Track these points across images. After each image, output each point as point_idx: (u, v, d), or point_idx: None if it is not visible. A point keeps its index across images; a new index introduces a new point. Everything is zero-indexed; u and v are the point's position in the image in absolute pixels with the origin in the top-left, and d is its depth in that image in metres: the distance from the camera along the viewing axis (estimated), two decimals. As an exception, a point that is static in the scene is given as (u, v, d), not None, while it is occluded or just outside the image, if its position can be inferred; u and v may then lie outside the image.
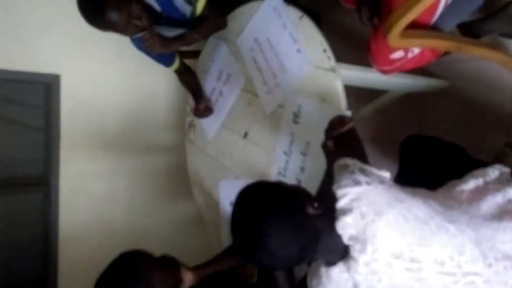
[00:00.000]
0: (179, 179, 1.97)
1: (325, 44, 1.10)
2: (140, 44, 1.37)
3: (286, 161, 1.21)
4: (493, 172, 0.87)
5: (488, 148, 1.29)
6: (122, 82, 1.94)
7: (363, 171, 0.75)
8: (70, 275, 1.80)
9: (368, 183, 0.73)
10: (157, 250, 1.14)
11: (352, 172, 0.74)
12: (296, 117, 1.19)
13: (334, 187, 0.74)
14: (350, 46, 1.43)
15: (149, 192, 2.09)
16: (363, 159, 0.84)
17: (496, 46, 1.15)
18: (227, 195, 1.51)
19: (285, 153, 1.22)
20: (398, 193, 0.75)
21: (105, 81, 1.89)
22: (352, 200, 0.71)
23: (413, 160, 1.21)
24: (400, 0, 0.91)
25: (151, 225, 2.09)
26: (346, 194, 0.72)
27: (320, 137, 1.06)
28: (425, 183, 1.13)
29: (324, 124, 1.03)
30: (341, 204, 0.72)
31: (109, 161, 1.95)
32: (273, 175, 1.27)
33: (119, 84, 1.93)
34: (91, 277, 1.04)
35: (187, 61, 1.65)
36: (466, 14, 0.99)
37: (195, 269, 1.16)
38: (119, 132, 1.97)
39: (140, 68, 1.92)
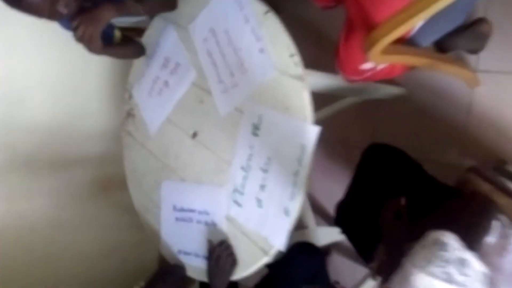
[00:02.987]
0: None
1: (292, 48, 0.98)
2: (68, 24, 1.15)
3: (244, 177, 1.09)
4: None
5: (441, 162, 1.29)
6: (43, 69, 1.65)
7: (462, 265, 0.61)
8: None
9: (462, 286, 0.59)
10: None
11: (447, 262, 0.61)
12: (256, 129, 1.06)
13: (413, 266, 0.61)
14: (310, 45, 1.33)
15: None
16: None
17: (461, 62, 1.12)
18: (169, 198, 1.36)
19: (242, 168, 1.10)
20: None
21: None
22: None
23: (373, 169, 1.16)
24: (381, 13, 0.81)
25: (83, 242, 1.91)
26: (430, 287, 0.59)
27: (283, 152, 0.96)
28: (377, 193, 1.10)
29: (287, 138, 0.93)
30: None
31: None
32: (227, 188, 1.15)
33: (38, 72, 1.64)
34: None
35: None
36: (445, 31, 0.92)
37: None
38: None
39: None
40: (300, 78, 0.96)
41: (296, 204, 0.99)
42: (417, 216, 0.99)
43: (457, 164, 1.30)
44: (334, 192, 1.31)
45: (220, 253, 1.13)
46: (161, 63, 1.37)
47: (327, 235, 1.57)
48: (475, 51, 1.26)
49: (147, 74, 1.43)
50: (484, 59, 1.25)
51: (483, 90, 1.26)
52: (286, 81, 0.99)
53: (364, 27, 0.86)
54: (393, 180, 1.11)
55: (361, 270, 1.62)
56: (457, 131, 1.32)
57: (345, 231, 1.25)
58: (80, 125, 1.84)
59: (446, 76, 1.31)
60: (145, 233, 2.03)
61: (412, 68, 1.05)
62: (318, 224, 1.60)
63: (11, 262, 1.67)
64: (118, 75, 1.84)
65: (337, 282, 1.57)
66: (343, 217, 1.25)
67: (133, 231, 2.27)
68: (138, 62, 1.49)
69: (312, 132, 0.95)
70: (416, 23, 0.73)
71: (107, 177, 2.01)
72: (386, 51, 0.79)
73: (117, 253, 2.20)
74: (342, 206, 1.25)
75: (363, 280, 1.33)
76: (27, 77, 1.55)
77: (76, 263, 1.94)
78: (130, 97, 1.53)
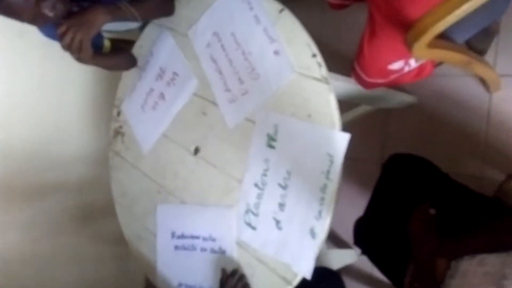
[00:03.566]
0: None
1: (314, 48, 0.88)
2: (51, 32, 1.02)
3: (259, 195, 0.96)
4: None
5: (463, 174, 1.20)
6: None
7: None
8: None
9: None
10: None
11: None
12: (271, 140, 0.94)
13: None
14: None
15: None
16: None
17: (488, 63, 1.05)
18: (167, 224, 1.20)
19: (256, 185, 0.97)
20: None
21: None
22: None
23: (397, 181, 1.06)
24: (417, 7, 0.73)
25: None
26: None
27: (306, 165, 0.84)
28: (403, 207, 0.99)
29: (311, 149, 0.81)
30: None
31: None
32: (238, 209, 1.01)
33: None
34: None
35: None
36: (481, 27, 0.85)
37: None
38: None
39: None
40: (325, 80, 0.85)
41: (324, 224, 0.86)
42: (450, 230, 0.88)
43: (480, 175, 1.22)
44: (341, 210, 1.19)
45: (233, 285, 0.98)
46: (155, 74, 1.25)
47: (339, 258, 1.44)
48: (482, 51, 1.19)
49: (139, 87, 1.30)
50: (502, 63, 1.19)
51: (502, 95, 1.20)
52: (307, 84, 0.88)
53: (397, 23, 0.77)
54: (421, 192, 1.01)
55: (375, 295, 1.50)
56: (477, 139, 1.24)
57: (366, 251, 1.13)
58: (59, 148, 1.67)
59: (461, 82, 1.24)
60: (129, 264, 1.86)
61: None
62: (327, 247, 1.47)
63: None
64: (102, 90, 1.70)
65: None
66: (364, 235, 1.13)
67: (116, 263, 2.09)
68: (128, 75, 1.36)
69: (342, 139, 0.84)
70: (468, 10, 0.65)
71: (87, 205, 1.83)
72: (431, 45, 0.70)
73: (98, 287, 1.99)
74: (362, 224, 1.13)
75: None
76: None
77: (53, 301, 1.73)
78: (119, 113, 1.39)
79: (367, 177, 1.33)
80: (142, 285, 2.28)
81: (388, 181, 1.07)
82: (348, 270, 1.54)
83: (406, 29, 0.73)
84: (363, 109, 1.32)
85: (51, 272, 1.71)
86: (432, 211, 0.89)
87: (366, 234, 1.11)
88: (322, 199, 0.86)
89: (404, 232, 0.93)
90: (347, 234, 1.39)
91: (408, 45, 0.71)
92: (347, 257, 1.47)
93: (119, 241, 1.43)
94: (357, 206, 1.17)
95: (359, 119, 1.38)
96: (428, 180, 1.01)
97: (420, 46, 0.69)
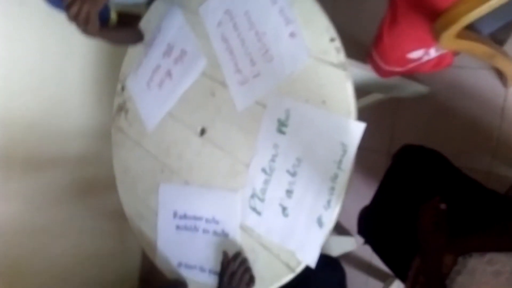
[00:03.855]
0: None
1: (332, 31, 0.85)
2: (56, 0, 0.97)
3: (266, 180, 0.94)
4: None
5: (472, 168, 1.18)
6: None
7: None
8: None
9: None
10: None
11: None
12: (282, 125, 0.92)
13: None
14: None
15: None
16: None
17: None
18: (169, 203, 1.19)
19: (263, 170, 0.95)
20: None
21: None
22: None
23: (407, 173, 1.04)
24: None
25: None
26: None
27: (317, 153, 0.82)
28: (412, 200, 0.98)
29: (324, 136, 0.79)
30: None
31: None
32: (243, 193, 0.99)
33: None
34: None
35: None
36: (509, 19, 0.81)
37: None
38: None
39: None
40: (342, 66, 0.82)
41: (332, 214, 0.85)
42: (460, 226, 0.87)
43: (489, 171, 1.20)
44: (345, 197, 1.18)
45: (235, 269, 0.98)
46: (163, 50, 1.21)
47: (339, 245, 1.44)
48: (502, 42, 1.16)
49: (146, 63, 1.26)
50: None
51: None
52: (324, 70, 0.85)
53: (422, 10, 0.73)
54: (431, 186, 0.99)
55: (373, 283, 1.50)
56: (489, 134, 1.22)
57: (370, 241, 1.12)
58: (60, 120, 1.64)
59: (475, 75, 1.21)
60: (127, 239, 1.86)
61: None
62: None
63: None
64: (107, 64, 1.65)
65: None
66: (369, 226, 1.12)
67: (114, 238, 2.09)
68: (133, 50, 1.32)
69: (357, 129, 0.81)
70: (502, 1, 0.62)
71: (87, 179, 1.82)
72: (460, 35, 0.67)
73: (95, 261, 2.01)
74: (368, 214, 1.12)
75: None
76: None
77: (50, 271, 1.75)
78: (123, 88, 1.35)
79: (373, 166, 1.32)
80: (139, 260, 2.29)
81: (398, 172, 1.05)
82: (348, 257, 1.54)
83: (433, 17, 0.70)
84: (374, 97, 1.30)
85: (48, 243, 1.71)
86: (443, 206, 0.88)
87: (371, 224, 1.10)
88: (332, 188, 0.84)
89: (411, 225, 0.92)
90: (348, 222, 1.39)
91: (435, 34, 0.68)
92: (347, 244, 1.47)
93: (118, 216, 1.42)
94: (361, 194, 1.16)
95: (369, 107, 1.35)
96: (440, 173, 0.99)
97: (449, 35, 0.66)
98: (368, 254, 1.50)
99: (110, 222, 2.00)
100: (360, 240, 1.15)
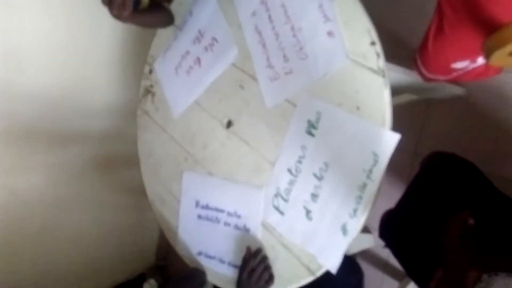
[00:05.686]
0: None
1: (374, 34, 0.80)
2: None
3: (291, 181, 0.93)
4: None
5: (504, 177, 1.14)
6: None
7: None
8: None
9: None
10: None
11: None
12: (312, 127, 0.89)
13: None
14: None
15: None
16: None
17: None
18: (192, 192, 1.19)
19: (289, 171, 0.93)
20: None
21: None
22: None
23: (436, 181, 1.01)
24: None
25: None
26: None
27: (347, 160, 0.80)
28: (438, 209, 0.95)
29: (355, 144, 0.76)
30: None
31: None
32: (267, 191, 0.99)
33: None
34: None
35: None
36: None
37: None
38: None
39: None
40: (382, 72, 0.79)
41: (358, 224, 0.83)
42: (488, 242, 0.85)
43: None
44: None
45: (255, 266, 0.98)
46: (193, 36, 1.18)
47: (357, 242, 1.42)
48: None
49: (175, 47, 1.24)
50: None
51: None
52: (361, 74, 0.81)
53: (473, 23, 0.68)
54: (460, 197, 0.96)
55: (388, 281, 1.50)
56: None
57: (391, 246, 1.11)
58: (86, 97, 1.65)
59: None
60: (145, 216, 1.89)
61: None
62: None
63: (1, 239, 1.51)
64: (135, 45, 1.64)
65: None
66: (392, 230, 1.10)
67: (133, 213, 2.14)
68: (163, 33, 1.29)
69: (391, 139, 0.78)
70: None
71: (109, 155, 1.84)
72: (512, 52, 0.62)
73: (114, 235, 2.07)
74: (392, 218, 1.10)
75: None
76: (27, 36, 1.33)
77: (71, 243, 1.81)
78: (151, 71, 1.34)
79: (398, 165, 1.28)
80: (156, 236, 2.35)
81: (427, 179, 1.02)
82: (364, 254, 1.54)
83: (485, 31, 0.65)
84: (406, 97, 1.25)
85: (70, 216, 1.77)
86: (471, 222, 0.85)
87: (394, 230, 1.09)
88: (360, 197, 0.82)
89: (436, 235, 0.90)
90: (367, 219, 1.37)
91: (486, 51, 0.63)
92: (365, 241, 1.46)
93: (138, 192, 1.44)
94: (385, 194, 1.13)
95: (398, 107, 1.31)
96: (471, 186, 0.96)
97: (503, 53, 0.61)
98: (386, 252, 1.49)
99: (130, 198, 2.04)
100: (380, 241, 1.14)
